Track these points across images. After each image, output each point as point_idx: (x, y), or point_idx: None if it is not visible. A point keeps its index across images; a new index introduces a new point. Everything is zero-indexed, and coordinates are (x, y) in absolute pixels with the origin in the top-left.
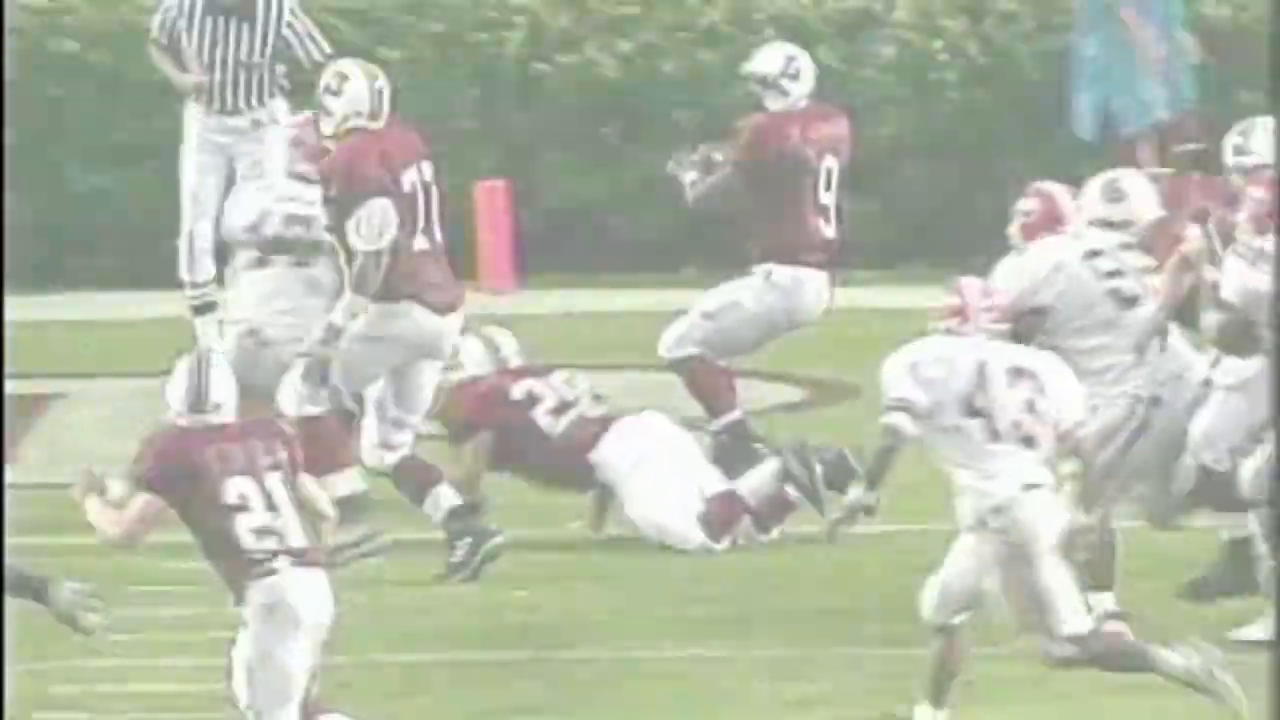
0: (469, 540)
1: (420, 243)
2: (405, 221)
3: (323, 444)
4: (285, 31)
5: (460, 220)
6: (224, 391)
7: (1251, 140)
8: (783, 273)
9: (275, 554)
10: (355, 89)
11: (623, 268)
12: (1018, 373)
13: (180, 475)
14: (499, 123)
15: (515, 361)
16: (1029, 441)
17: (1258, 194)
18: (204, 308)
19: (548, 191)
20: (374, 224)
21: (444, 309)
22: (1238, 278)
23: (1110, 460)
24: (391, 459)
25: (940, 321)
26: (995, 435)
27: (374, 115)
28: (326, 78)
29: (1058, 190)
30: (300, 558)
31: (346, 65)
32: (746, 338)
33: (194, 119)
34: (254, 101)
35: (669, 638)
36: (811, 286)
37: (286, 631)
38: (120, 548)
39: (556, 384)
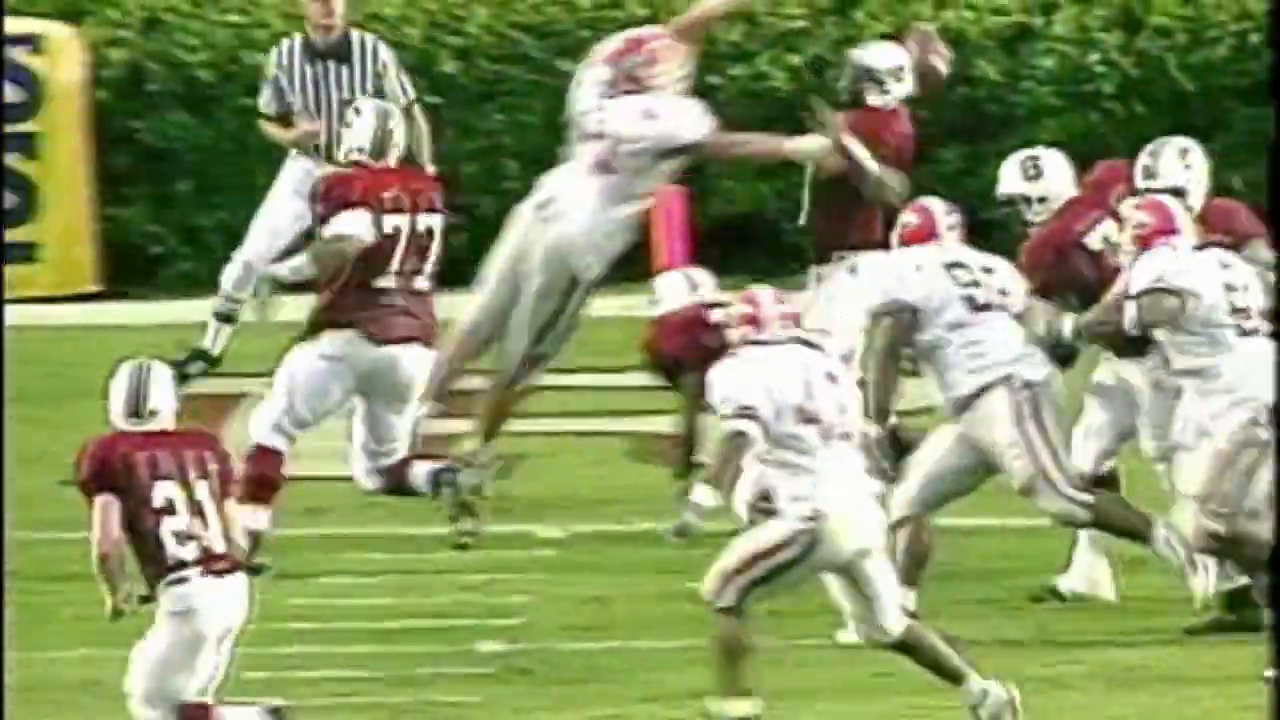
0: (450, 490)
1: (385, 281)
2: (374, 261)
3: (260, 477)
4: (380, 70)
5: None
6: (162, 400)
7: (1160, 162)
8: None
9: (191, 561)
10: (362, 126)
11: (793, 272)
12: (830, 377)
13: (113, 475)
14: None
15: (710, 297)
16: (847, 438)
17: (1141, 217)
18: (228, 318)
19: (721, 198)
20: (344, 221)
21: (387, 340)
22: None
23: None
24: (379, 483)
25: (735, 330)
26: (826, 438)
27: (376, 154)
28: (351, 108)
29: (937, 206)
30: (216, 565)
31: (365, 103)
32: None
33: (296, 162)
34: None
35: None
36: None
37: (190, 641)
38: (112, 559)
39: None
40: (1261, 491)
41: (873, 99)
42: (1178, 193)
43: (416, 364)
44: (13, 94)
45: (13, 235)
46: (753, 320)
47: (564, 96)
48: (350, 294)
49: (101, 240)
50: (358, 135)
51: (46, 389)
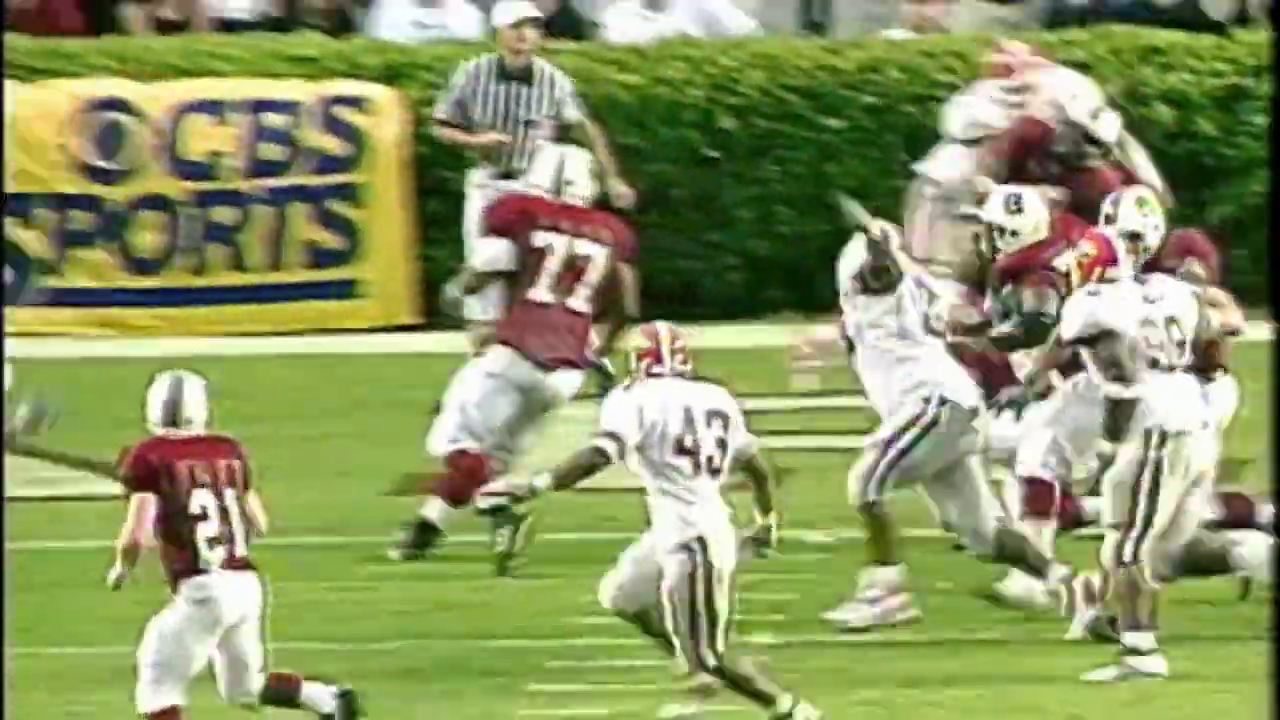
0: (509, 528)
1: (540, 294)
2: (524, 272)
3: (460, 476)
4: (556, 93)
5: None
6: (196, 409)
7: (1119, 209)
8: None
9: (218, 562)
10: (541, 164)
11: None
12: (714, 414)
13: (154, 477)
14: None
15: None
16: (716, 473)
17: (1086, 247)
18: (458, 322)
19: None
20: (483, 252)
21: (541, 363)
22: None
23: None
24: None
25: (639, 363)
26: (698, 469)
27: (552, 190)
28: (537, 148)
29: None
30: (238, 563)
31: (551, 148)
32: None
33: (482, 178)
34: (526, 161)
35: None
36: None
37: (205, 624)
38: (133, 555)
39: None
40: (1165, 511)
41: (1092, 161)
42: (1134, 236)
43: (564, 385)
44: (339, 148)
45: (339, 274)
46: (652, 354)
47: (827, 150)
48: (513, 311)
49: (418, 278)
50: (539, 174)
51: (370, 407)
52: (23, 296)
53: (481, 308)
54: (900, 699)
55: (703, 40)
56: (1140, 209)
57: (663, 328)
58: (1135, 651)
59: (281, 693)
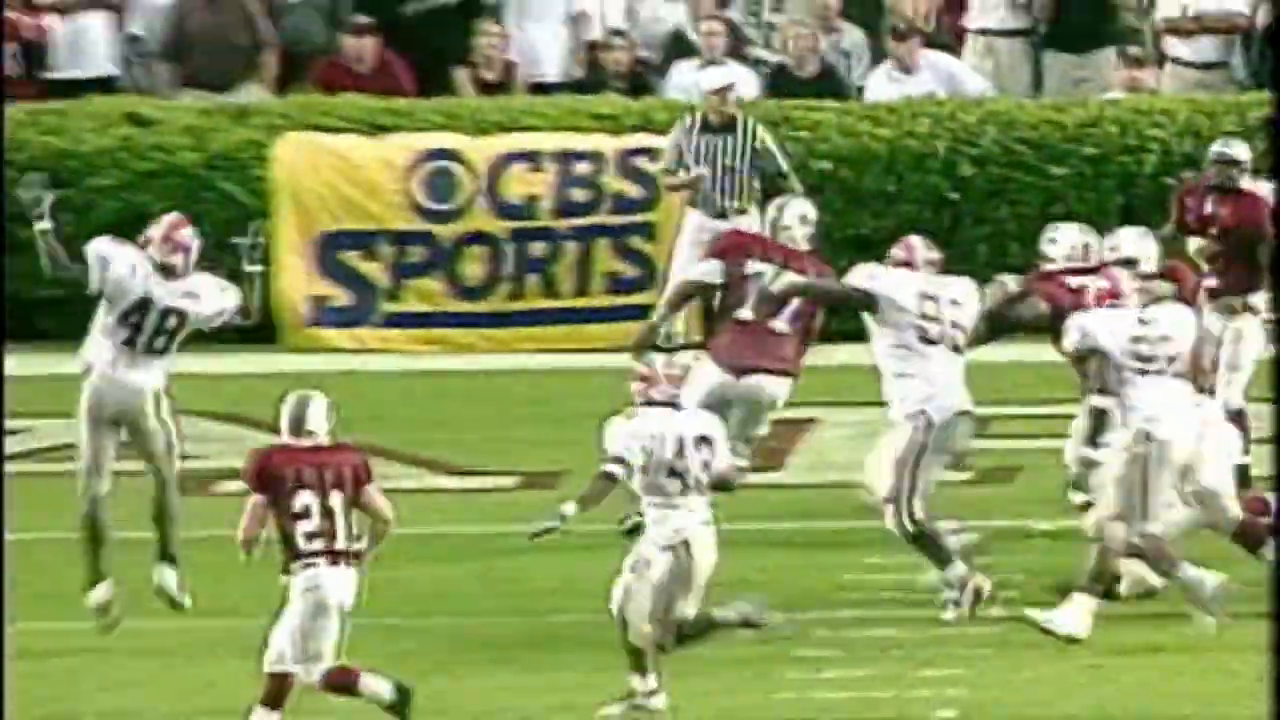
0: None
1: (745, 314)
2: (730, 297)
3: None
4: (757, 145)
5: None
6: (318, 422)
7: (1119, 240)
8: None
9: (319, 553)
10: (752, 216)
11: None
12: (702, 439)
13: (265, 481)
14: (1139, 223)
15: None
16: (700, 489)
17: (1100, 284)
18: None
19: None
20: (700, 267)
21: (734, 369)
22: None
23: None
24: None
25: (638, 391)
26: (685, 489)
27: (770, 230)
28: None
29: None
30: (337, 557)
31: (787, 198)
32: None
33: (691, 220)
34: (734, 202)
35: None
36: None
37: (318, 611)
38: (249, 546)
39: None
40: (1162, 496)
41: (1244, 183)
42: (1129, 262)
43: (757, 391)
44: (636, 191)
45: (636, 299)
46: (648, 379)
47: (1054, 194)
48: (720, 329)
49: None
50: (751, 220)
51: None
52: (369, 319)
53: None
54: (1108, 664)
55: (946, 100)
56: (1139, 240)
57: (658, 360)
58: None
59: (339, 685)
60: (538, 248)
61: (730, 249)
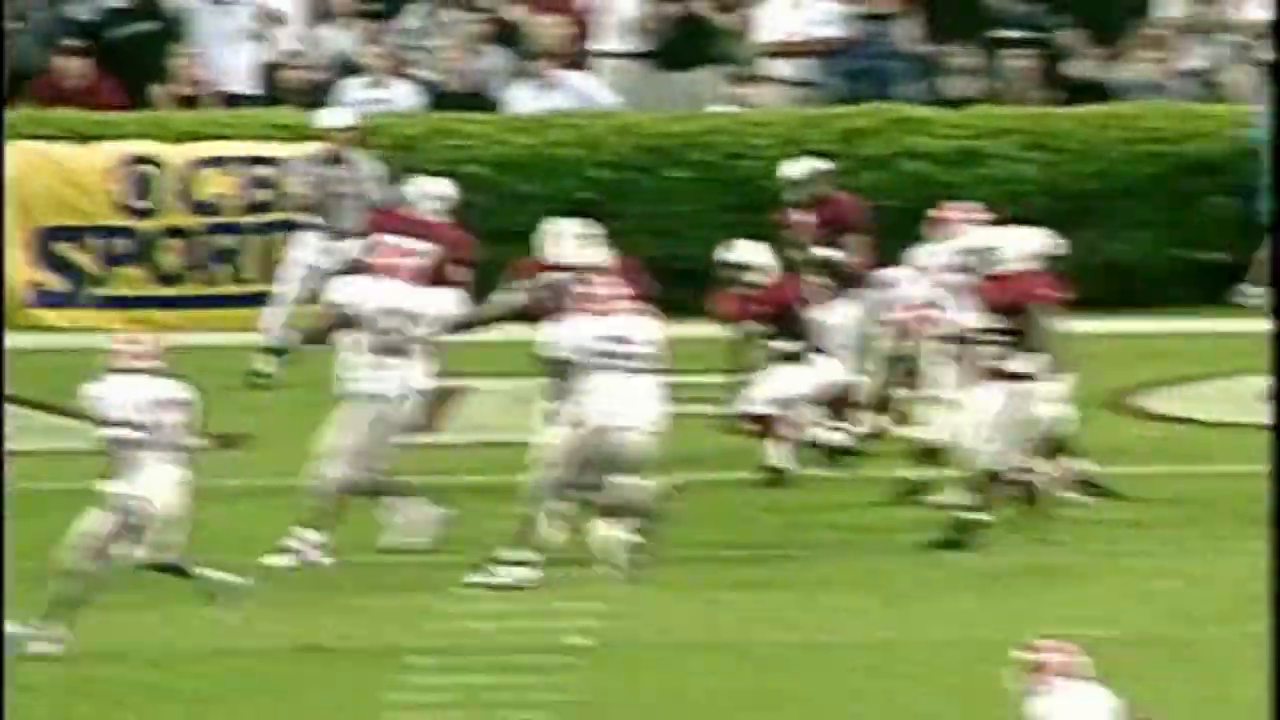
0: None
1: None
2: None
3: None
4: (369, 174)
5: None
6: None
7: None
8: None
9: None
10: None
11: None
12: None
13: None
14: (744, 221)
15: None
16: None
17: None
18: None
19: None
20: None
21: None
22: None
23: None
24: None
25: (117, 361)
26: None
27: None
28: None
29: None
30: None
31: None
32: None
33: (308, 240)
34: (349, 225)
35: None
36: None
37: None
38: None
39: None
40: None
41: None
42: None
43: None
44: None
45: None
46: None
47: (671, 194)
48: None
49: None
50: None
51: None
52: (80, 301)
53: None
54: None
55: (579, 112)
56: (754, 248)
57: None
58: None
59: None
60: (227, 240)
61: (375, 226)
